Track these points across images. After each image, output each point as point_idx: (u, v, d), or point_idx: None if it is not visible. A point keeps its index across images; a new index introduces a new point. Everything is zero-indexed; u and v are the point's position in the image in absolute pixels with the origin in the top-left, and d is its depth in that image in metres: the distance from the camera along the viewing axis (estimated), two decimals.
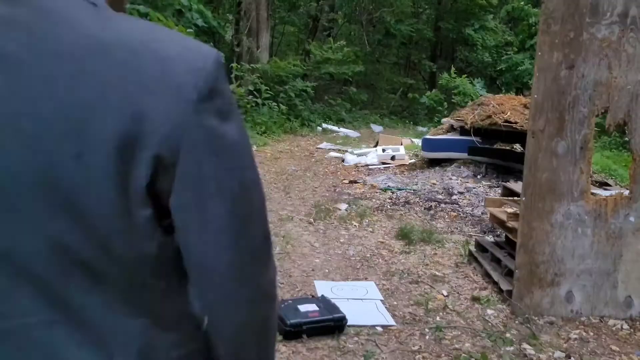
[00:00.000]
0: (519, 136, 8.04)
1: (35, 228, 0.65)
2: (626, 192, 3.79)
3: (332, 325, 3.26)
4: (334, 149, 12.01)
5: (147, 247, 0.69)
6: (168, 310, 0.75)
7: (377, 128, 17.13)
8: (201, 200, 0.68)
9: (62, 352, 0.69)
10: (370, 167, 9.78)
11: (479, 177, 8.17)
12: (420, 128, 17.66)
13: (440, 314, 3.70)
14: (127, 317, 0.71)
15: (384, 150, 10.37)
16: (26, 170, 0.63)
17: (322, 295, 3.63)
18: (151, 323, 0.73)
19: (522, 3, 19.39)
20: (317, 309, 3.33)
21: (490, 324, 3.57)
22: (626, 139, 3.98)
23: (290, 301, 3.46)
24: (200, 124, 0.66)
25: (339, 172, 9.31)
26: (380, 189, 7.73)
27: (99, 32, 0.66)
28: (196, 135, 0.66)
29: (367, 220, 6.02)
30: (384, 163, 9.93)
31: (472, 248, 4.94)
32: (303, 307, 3.32)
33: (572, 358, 3.17)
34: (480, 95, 13.23)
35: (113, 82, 0.63)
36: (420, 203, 6.89)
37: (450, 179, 8.05)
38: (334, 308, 3.38)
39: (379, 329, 3.41)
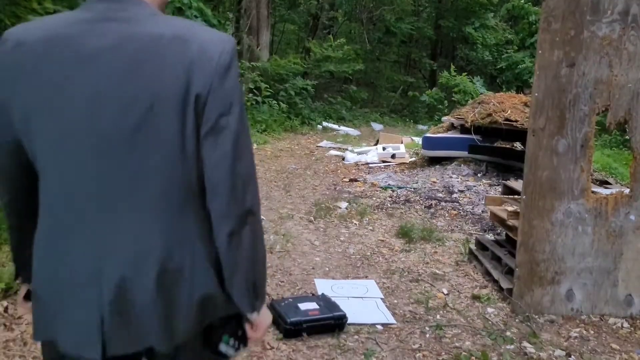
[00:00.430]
0: (520, 134, 8.04)
1: (127, 153, 1.13)
2: (627, 191, 3.79)
3: (332, 323, 3.26)
4: (334, 147, 12.00)
5: (192, 170, 1.15)
6: (195, 209, 1.20)
7: (377, 126, 17.13)
8: (215, 135, 1.14)
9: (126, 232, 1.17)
10: (370, 165, 9.77)
11: (479, 175, 8.16)
12: (420, 126, 17.65)
13: (441, 312, 3.70)
14: (181, 215, 1.18)
15: (384, 149, 10.36)
16: (124, 120, 1.12)
17: (323, 294, 3.63)
18: (186, 221, 1.19)
19: (522, 1, 19.36)
20: (317, 307, 3.33)
21: (490, 322, 3.57)
22: (627, 137, 3.98)
23: (290, 299, 3.46)
24: (221, 80, 1.14)
25: (339, 171, 9.31)
26: (381, 187, 7.73)
27: (163, 30, 1.14)
28: (218, 86, 1.13)
29: (367, 219, 6.02)
30: (384, 161, 9.92)
31: (473, 246, 4.94)
32: (303, 306, 3.32)
33: (572, 356, 3.17)
34: (481, 94, 13.23)
35: (174, 62, 1.11)
36: (421, 201, 6.89)
37: (451, 177, 8.05)
38: (334, 306, 3.38)
39: (379, 327, 3.41)
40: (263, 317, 1.34)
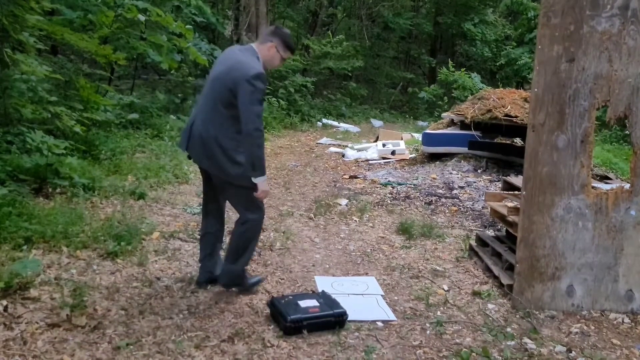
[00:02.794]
0: (520, 130, 8.03)
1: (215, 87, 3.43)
2: (627, 186, 3.78)
3: (332, 320, 3.26)
4: (334, 144, 12.00)
5: (227, 103, 3.34)
6: (236, 123, 3.31)
7: (377, 123, 17.12)
8: (240, 101, 3.25)
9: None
10: (370, 162, 9.77)
11: (479, 171, 8.16)
12: (420, 123, 17.65)
13: (441, 308, 3.70)
14: (229, 120, 3.34)
15: (384, 145, 10.36)
16: (218, 81, 3.41)
17: (323, 291, 3.63)
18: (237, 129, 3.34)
19: None
20: (317, 304, 3.33)
21: (491, 318, 3.57)
22: (627, 132, 3.97)
23: (290, 297, 3.45)
24: (245, 84, 3.23)
25: (339, 168, 9.30)
26: (381, 184, 7.72)
27: (240, 59, 3.41)
28: (242, 86, 3.24)
29: (367, 216, 6.02)
30: (384, 158, 9.92)
31: (473, 242, 4.94)
32: (303, 303, 3.32)
33: (573, 352, 3.17)
34: (480, 89, 13.21)
35: (233, 70, 3.33)
36: (421, 198, 6.89)
37: (451, 173, 8.05)
38: (335, 303, 3.37)
39: (380, 324, 3.41)
40: (260, 183, 3.36)
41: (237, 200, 3.55)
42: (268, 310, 3.39)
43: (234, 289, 3.70)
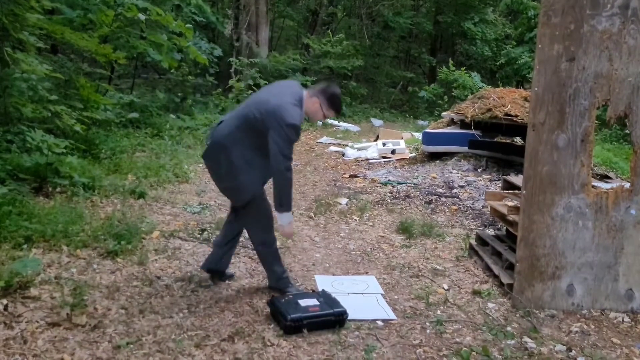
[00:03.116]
0: (520, 129, 8.03)
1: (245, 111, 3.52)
2: (627, 185, 3.78)
3: (332, 319, 3.26)
4: (334, 143, 12.00)
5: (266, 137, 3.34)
6: (253, 149, 3.42)
7: (377, 122, 17.11)
8: (271, 143, 3.29)
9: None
10: (370, 161, 9.77)
11: (479, 170, 8.16)
12: (420, 122, 17.63)
13: (441, 307, 3.70)
14: (247, 142, 3.44)
15: (384, 144, 10.36)
16: (256, 107, 3.43)
17: (323, 290, 3.63)
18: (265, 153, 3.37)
19: None
20: (317, 303, 3.33)
21: (491, 317, 3.57)
22: (627, 131, 3.97)
23: (290, 296, 3.45)
24: (279, 128, 3.29)
25: (339, 167, 9.30)
26: (381, 183, 7.72)
27: (277, 91, 3.57)
28: (277, 129, 3.30)
29: (367, 215, 6.02)
30: (384, 157, 9.92)
31: (473, 242, 4.94)
32: (303, 302, 3.32)
33: (573, 351, 3.17)
34: (480, 89, 13.20)
35: (275, 108, 3.34)
36: (421, 197, 6.89)
37: (451, 172, 8.05)
38: (335, 302, 3.37)
39: (380, 323, 3.41)
40: (284, 219, 3.47)
41: (244, 220, 3.72)
42: (268, 310, 3.40)
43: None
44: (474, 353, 3.07)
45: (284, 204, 3.41)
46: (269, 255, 3.70)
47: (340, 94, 3.62)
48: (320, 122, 13.52)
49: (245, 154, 3.42)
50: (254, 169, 3.45)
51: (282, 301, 3.33)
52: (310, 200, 6.61)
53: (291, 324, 3.14)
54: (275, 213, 3.51)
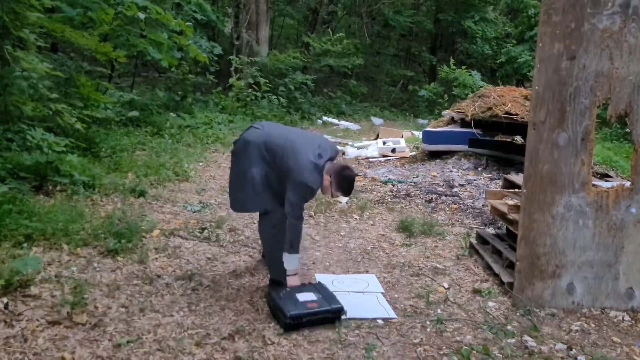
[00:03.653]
0: (520, 128, 8.03)
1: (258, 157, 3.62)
2: (627, 184, 3.78)
3: (330, 316, 3.27)
4: (334, 142, 11.97)
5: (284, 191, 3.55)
6: (282, 204, 3.56)
7: (377, 121, 17.10)
8: (287, 193, 3.49)
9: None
10: (370, 159, 9.76)
11: (479, 169, 8.15)
12: (420, 120, 17.63)
13: (442, 306, 3.70)
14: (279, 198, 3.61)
15: (384, 143, 10.35)
16: (259, 144, 3.61)
17: (319, 282, 3.64)
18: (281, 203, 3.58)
19: None
20: (315, 299, 3.34)
21: (491, 316, 3.57)
22: (627, 130, 3.97)
23: (287, 289, 3.46)
24: (300, 185, 3.46)
25: None
26: (381, 182, 7.72)
27: (311, 161, 3.52)
28: (297, 184, 3.45)
29: (367, 213, 6.02)
30: (384, 156, 9.91)
31: (473, 240, 4.93)
32: (302, 297, 3.34)
33: (573, 350, 3.17)
34: (481, 87, 13.20)
35: (301, 164, 3.48)
36: (421, 195, 6.89)
37: (451, 171, 8.04)
38: (332, 298, 3.39)
39: (380, 321, 3.41)
40: (290, 263, 3.57)
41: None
42: (268, 307, 3.40)
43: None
44: (474, 352, 3.07)
45: (294, 245, 3.55)
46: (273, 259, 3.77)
47: (353, 178, 3.66)
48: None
49: (268, 174, 3.60)
50: (265, 191, 3.62)
51: (281, 296, 3.33)
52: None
53: (291, 322, 3.14)
54: (284, 255, 3.58)
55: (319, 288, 3.51)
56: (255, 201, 3.62)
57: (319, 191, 3.65)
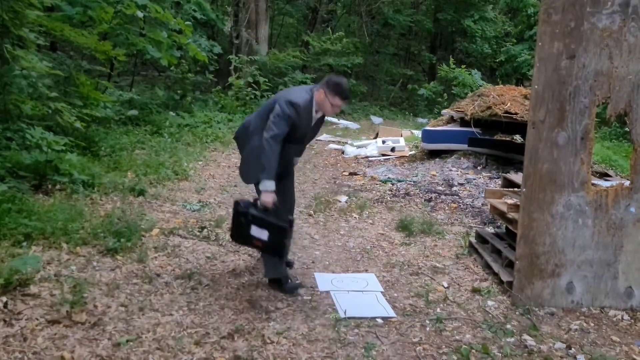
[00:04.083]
0: (520, 127, 8.03)
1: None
2: (627, 183, 3.78)
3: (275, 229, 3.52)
4: (333, 141, 11.99)
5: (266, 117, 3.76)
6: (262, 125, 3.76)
7: (376, 120, 17.11)
8: (272, 113, 3.62)
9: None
10: (370, 158, 9.77)
11: (479, 168, 8.15)
12: (420, 119, 17.64)
13: (441, 305, 3.70)
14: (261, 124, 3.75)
15: (383, 142, 10.35)
16: (255, 116, 3.92)
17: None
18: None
19: None
20: (265, 239, 3.54)
21: (490, 315, 3.57)
22: (627, 129, 3.97)
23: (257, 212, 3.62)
24: (282, 102, 3.59)
25: (338, 164, 9.30)
26: (380, 181, 7.72)
27: (296, 89, 3.92)
28: (279, 103, 3.61)
29: (367, 212, 6.02)
30: (383, 155, 9.91)
31: (473, 239, 4.94)
32: (255, 231, 3.56)
33: (572, 349, 3.18)
34: (480, 86, 13.20)
35: (282, 93, 3.87)
36: (421, 195, 6.89)
37: (451, 170, 8.04)
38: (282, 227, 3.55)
39: (380, 320, 3.41)
40: (264, 185, 3.52)
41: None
42: (267, 304, 3.40)
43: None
44: (473, 351, 3.07)
45: (266, 169, 3.53)
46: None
47: (343, 82, 3.68)
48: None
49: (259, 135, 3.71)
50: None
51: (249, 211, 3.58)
52: (310, 198, 6.61)
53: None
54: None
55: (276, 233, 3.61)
56: (257, 167, 3.62)
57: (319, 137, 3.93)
